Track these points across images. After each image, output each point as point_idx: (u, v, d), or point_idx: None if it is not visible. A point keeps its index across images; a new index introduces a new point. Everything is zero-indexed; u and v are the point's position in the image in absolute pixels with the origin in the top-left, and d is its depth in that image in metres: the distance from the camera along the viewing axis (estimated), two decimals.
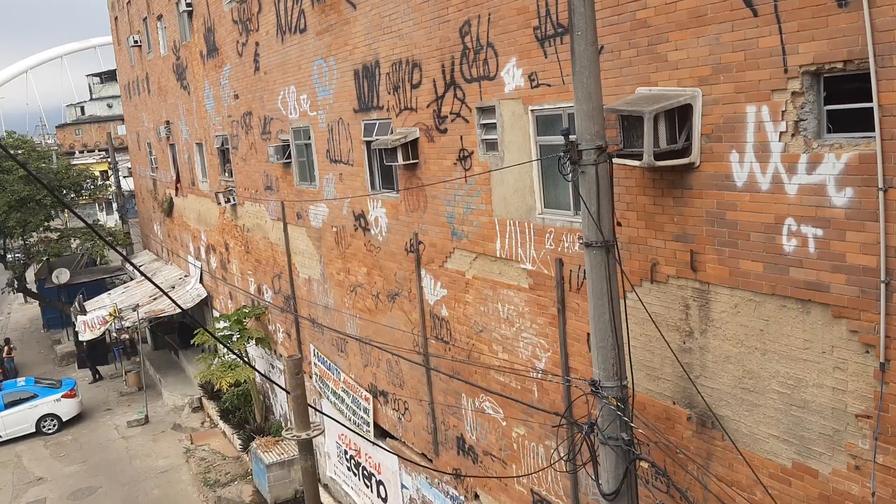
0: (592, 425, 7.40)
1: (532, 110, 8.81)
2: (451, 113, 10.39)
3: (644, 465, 7.10)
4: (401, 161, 11.30)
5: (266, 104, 17.43)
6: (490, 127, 9.70)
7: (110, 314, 25.11)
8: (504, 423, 10.44)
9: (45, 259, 35.82)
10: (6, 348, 31.90)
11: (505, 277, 9.87)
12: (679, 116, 6.78)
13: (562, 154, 6.66)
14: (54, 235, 36.80)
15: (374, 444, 14.17)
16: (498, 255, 9.90)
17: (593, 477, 7.45)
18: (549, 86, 8.46)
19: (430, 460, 12.77)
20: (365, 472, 15.32)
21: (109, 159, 44.60)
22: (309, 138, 15.44)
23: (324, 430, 17.13)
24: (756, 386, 6.64)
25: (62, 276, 33.95)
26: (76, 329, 27.78)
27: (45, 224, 36.12)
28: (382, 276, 13.23)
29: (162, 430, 24.06)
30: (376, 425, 14.45)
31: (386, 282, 13.15)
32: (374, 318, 13.77)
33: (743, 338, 6.69)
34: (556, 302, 8.89)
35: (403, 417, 13.41)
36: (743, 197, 6.43)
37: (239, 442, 20.44)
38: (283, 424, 20.29)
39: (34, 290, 36.53)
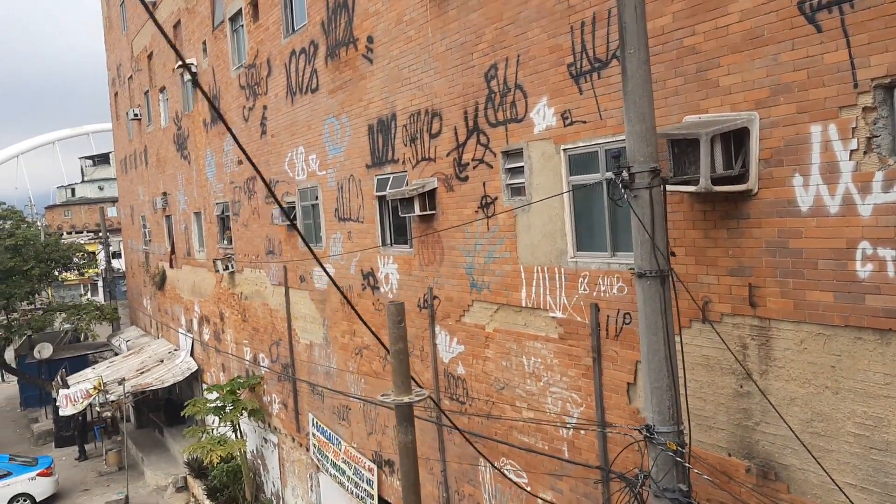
0: (645, 477, 6.76)
1: (564, 149, 8.49)
2: (472, 160, 10.07)
3: None
4: (417, 211, 10.91)
5: (272, 167, 17.16)
6: (516, 171, 9.36)
7: (94, 387, 24.10)
8: (529, 489, 9.67)
9: (27, 334, 34.77)
10: None
11: (531, 328, 9.33)
12: (735, 142, 6.45)
13: (613, 176, 6.27)
14: (38, 310, 35.88)
15: None
16: (523, 305, 9.39)
17: None
18: (584, 122, 8.18)
19: None
20: None
21: (99, 240, 44.38)
22: (316, 198, 15.10)
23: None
24: (828, 429, 6.06)
25: (44, 350, 32.89)
26: (57, 403, 26.61)
27: (30, 298, 35.27)
28: None
29: None
30: (380, 499, 13.53)
31: None
32: (382, 381, 13.07)
33: (811, 377, 6.15)
34: (591, 351, 8.33)
35: None
36: (808, 223, 6.02)
37: None
38: (273, 503, 19.14)
39: (13, 366, 35.29)
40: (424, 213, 10.94)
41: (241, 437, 19.27)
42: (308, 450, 16.71)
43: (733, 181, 6.46)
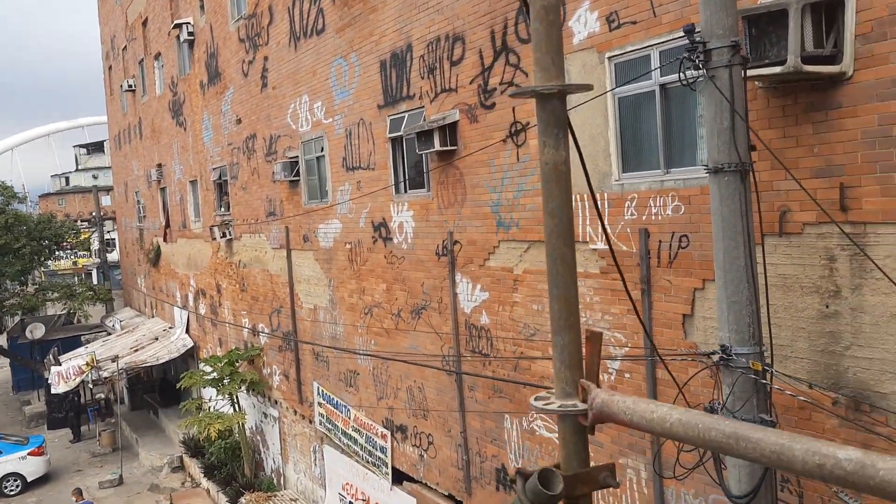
0: (713, 409, 5.85)
1: (609, 57, 7.56)
2: (500, 83, 9.14)
3: None
4: (437, 146, 9.98)
5: (273, 122, 16.20)
6: None
7: (87, 363, 23.13)
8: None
9: (19, 314, 33.78)
10: None
11: None
12: (826, 18, 5.53)
13: (687, 53, 5.34)
14: (31, 290, 34.88)
15: (391, 488, 12.31)
16: None
17: (715, 479, 5.83)
18: (633, 24, 7.25)
19: (460, 502, 10.95)
20: None
21: (93, 228, 43.54)
22: (322, 150, 14.15)
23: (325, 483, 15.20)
24: None
25: (37, 330, 31.88)
26: (48, 382, 25.64)
27: (22, 278, 34.26)
28: (406, 289, 11.70)
29: (137, 492, 21.76)
30: (392, 468, 12.61)
31: (410, 295, 11.61)
32: (394, 341, 12.15)
33: None
34: (640, 282, 7.41)
35: (426, 454, 11.62)
36: None
37: (225, 500, 18.27)
38: (273, 480, 18.22)
39: (5, 347, 34.29)
40: (445, 148, 10.01)
41: (240, 411, 18.33)
42: (311, 421, 15.79)
43: (824, 61, 5.54)
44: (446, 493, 11.27)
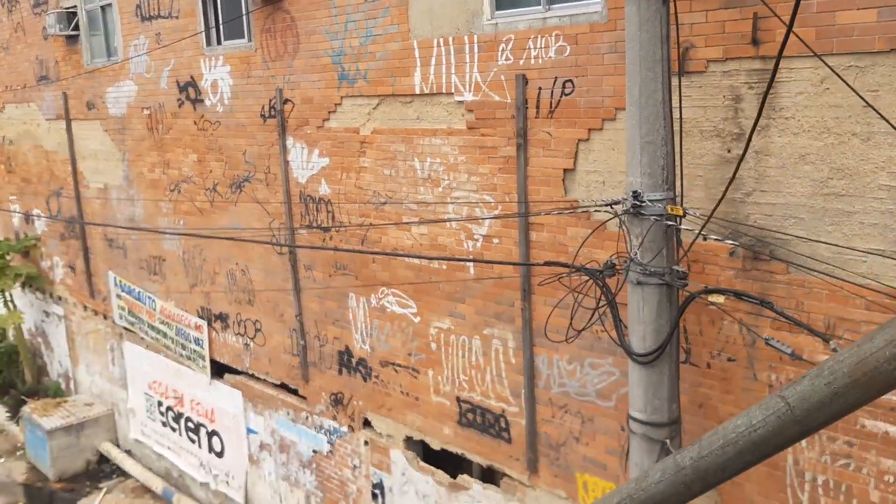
0: (612, 266, 5.36)
1: None
2: None
3: (718, 299, 5.13)
4: None
5: None
6: None
7: None
8: (417, 320, 8.08)
9: None
10: None
11: (427, 121, 7.49)
12: None
13: None
14: None
15: (211, 381, 11.13)
16: (416, 93, 7.49)
17: (615, 338, 5.39)
18: None
19: (295, 391, 10.07)
20: (190, 423, 12.14)
21: None
22: None
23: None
24: (850, 187, 4.94)
25: None
26: None
27: None
28: (223, 159, 10.22)
29: None
30: (211, 360, 11.38)
31: (229, 166, 10.17)
32: (209, 220, 10.70)
33: (832, 124, 4.95)
34: (516, 136, 6.69)
35: (253, 342, 10.52)
36: None
37: (4, 411, 16.00)
38: (62, 385, 16.19)
39: None
40: None
41: (15, 310, 15.85)
42: (107, 317, 13.94)
43: None
44: (278, 383, 10.32)
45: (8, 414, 15.93)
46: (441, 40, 7.17)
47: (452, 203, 7.43)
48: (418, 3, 7.28)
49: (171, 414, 12.64)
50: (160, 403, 12.85)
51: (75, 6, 12.62)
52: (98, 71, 12.48)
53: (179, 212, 11.35)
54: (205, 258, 11.11)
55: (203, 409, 11.79)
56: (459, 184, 7.32)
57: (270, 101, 9.25)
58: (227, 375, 11.23)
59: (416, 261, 7.87)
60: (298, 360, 9.79)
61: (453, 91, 7.16)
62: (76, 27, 12.68)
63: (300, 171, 9.10)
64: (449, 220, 7.34)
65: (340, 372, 9.22)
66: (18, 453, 15.06)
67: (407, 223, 7.74)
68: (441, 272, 7.72)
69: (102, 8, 12.10)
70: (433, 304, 7.88)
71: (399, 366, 8.40)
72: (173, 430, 12.66)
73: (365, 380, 8.90)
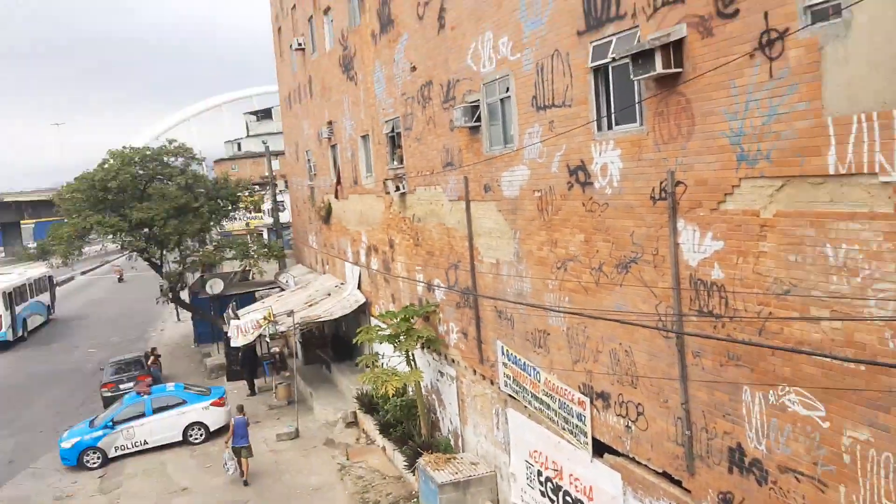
0: None
1: None
2: None
3: None
4: (659, 69, 8.47)
5: (451, 66, 15.17)
6: None
7: (264, 318, 23.55)
8: (826, 425, 7.18)
9: (199, 270, 35.49)
10: (152, 357, 31.30)
11: (841, 204, 6.74)
12: None
13: None
14: (210, 247, 36.50)
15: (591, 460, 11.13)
16: (830, 173, 6.80)
17: None
18: None
19: (678, 482, 9.60)
20: (569, 498, 12.25)
21: (263, 191, 45.42)
22: (507, 90, 12.95)
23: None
24: None
25: (216, 286, 33.27)
26: (227, 335, 26.49)
27: (201, 235, 35.84)
28: (610, 240, 10.35)
29: (313, 446, 21.97)
30: (593, 439, 11.41)
31: (615, 247, 10.26)
32: (594, 299, 10.86)
33: None
34: None
35: (635, 425, 10.32)
36: None
37: (402, 459, 17.89)
38: (451, 442, 17.60)
39: (187, 301, 36.18)
40: (667, 71, 8.49)
41: (416, 368, 17.77)
42: (493, 382, 14.88)
43: None
44: (659, 471, 9.94)
45: (405, 463, 17.74)
46: (862, 116, 6.43)
47: (873, 295, 6.52)
48: (835, 77, 6.65)
49: (549, 485, 12.91)
50: (540, 473, 13.22)
51: (478, 100, 14.03)
52: (495, 157, 13.64)
53: (565, 289, 11.73)
54: (588, 336, 11.28)
55: (582, 486, 11.83)
56: (884, 274, 6.41)
57: (661, 183, 9.17)
58: (606, 455, 11.15)
59: (826, 358, 7.03)
60: (683, 451, 9.33)
61: (877, 171, 6.35)
62: (478, 119, 14.08)
63: (690, 254, 8.80)
64: (872, 318, 6.43)
65: (731, 470, 8.55)
66: (413, 501, 16.65)
67: (817, 318, 6.97)
68: (858, 374, 6.78)
69: (502, 100, 13.26)
70: (847, 410, 6.93)
71: (802, 474, 7.51)
72: (551, 501, 12.90)
73: (759, 484, 8.12)
